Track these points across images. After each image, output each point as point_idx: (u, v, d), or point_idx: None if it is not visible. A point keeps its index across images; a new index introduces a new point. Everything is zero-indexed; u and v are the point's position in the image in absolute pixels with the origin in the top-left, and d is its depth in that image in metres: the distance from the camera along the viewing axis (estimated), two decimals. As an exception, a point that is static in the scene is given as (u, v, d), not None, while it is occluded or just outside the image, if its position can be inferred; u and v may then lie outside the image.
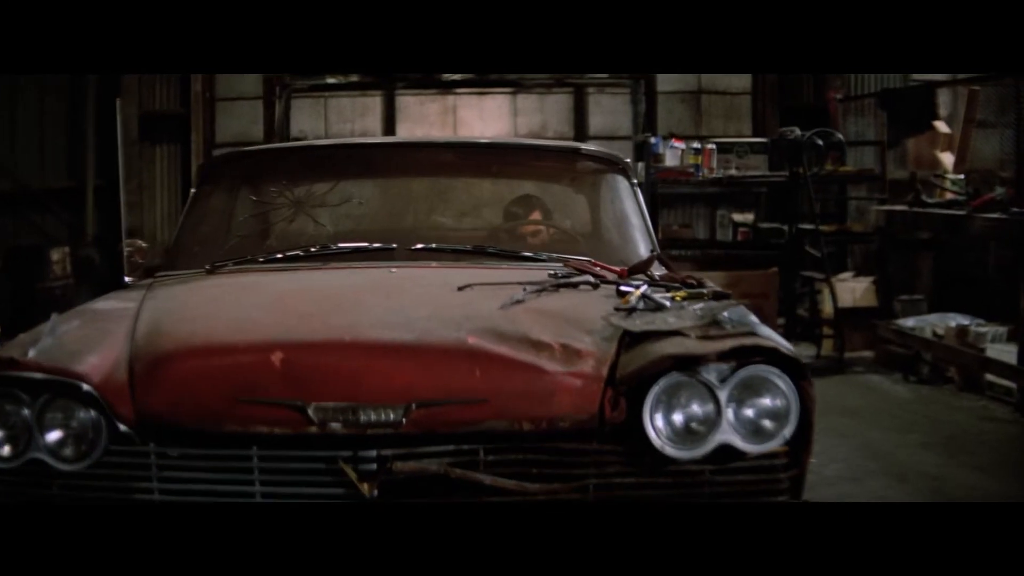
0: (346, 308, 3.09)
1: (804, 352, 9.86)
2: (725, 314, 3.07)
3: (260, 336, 2.88)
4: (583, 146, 4.57)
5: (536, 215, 4.59)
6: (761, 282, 9.32)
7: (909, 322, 9.36)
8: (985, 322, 8.59)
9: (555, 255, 4.02)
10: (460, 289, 3.31)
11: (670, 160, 9.79)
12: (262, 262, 3.99)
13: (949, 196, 9.47)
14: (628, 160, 4.65)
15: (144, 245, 4.24)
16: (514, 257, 4.01)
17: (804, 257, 9.97)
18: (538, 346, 2.84)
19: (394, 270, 3.75)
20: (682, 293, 3.44)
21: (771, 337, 2.96)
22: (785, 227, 9.77)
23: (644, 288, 3.42)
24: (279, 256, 4.01)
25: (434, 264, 3.91)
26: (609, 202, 4.58)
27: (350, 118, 11.32)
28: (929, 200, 9.36)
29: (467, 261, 3.96)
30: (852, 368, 9.39)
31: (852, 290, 10.63)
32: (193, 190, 4.43)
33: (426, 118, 11.37)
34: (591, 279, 3.54)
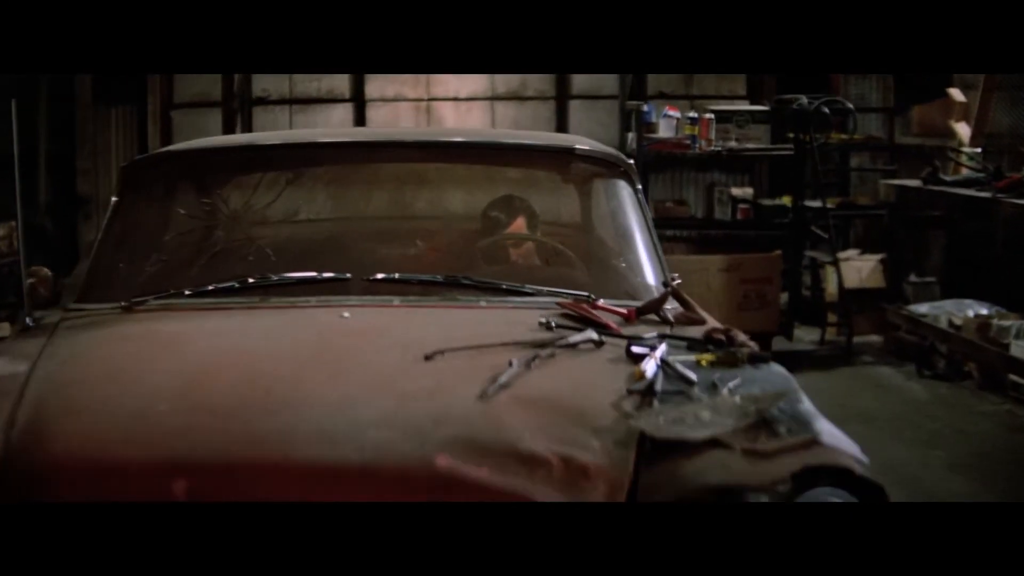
0: (276, 400, 2.37)
1: (808, 337, 9.21)
2: (776, 409, 2.35)
3: (158, 453, 2.18)
4: (578, 145, 3.82)
5: (519, 222, 3.87)
6: (763, 266, 8.61)
7: (922, 308, 8.68)
8: (1005, 311, 7.93)
9: (545, 288, 3.29)
10: (427, 358, 2.58)
11: (664, 130, 8.99)
12: (189, 296, 3.26)
13: (965, 172, 8.79)
14: (631, 161, 3.91)
15: (49, 274, 3.50)
16: (495, 290, 3.29)
17: (809, 237, 9.26)
18: (531, 463, 2.14)
19: (347, 314, 3.03)
20: (709, 356, 2.73)
21: (838, 446, 2.27)
22: (789, 204, 9.04)
23: (661, 351, 2.71)
24: (210, 288, 3.27)
25: (396, 302, 3.20)
26: (609, 213, 3.86)
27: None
28: (947, 178, 8.66)
29: (437, 296, 3.25)
30: (861, 358, 8.72)
31: (858, 270, 9.94)
32: (113, 199, 3.67)
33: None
34: (594, 336, 2.82)
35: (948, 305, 8.58)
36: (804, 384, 7.31)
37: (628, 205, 3.81)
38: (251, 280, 3.29)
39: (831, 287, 9.76)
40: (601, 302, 3.26)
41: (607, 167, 3.86)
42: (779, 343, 8.78)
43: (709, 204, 9.28)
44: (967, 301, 8.50)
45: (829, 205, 9.03)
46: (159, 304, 3.24)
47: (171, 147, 3.94)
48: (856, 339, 8.87)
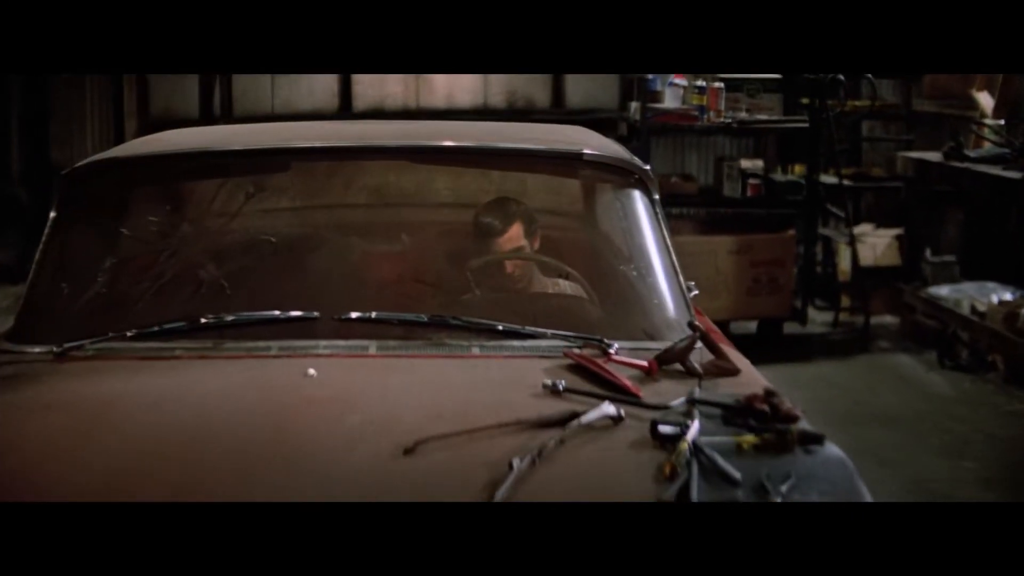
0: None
1: (820, 318, 8.74)
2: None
3: None
4: (587, 150, 3.30)
5: (515, 230, 3.37)
6: (776, 247, 8.11)
7: (942, 291, 8.21)
8: (1030, 296, 7.49)
9: (548, 332, 2.81)
10: (407, 452, 2.10)
11: (670, 100, 8.43)
12: (131, 339, 2.77)
13: (987, 146, 8.27)
14: (648, 167, 3.39)
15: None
16: (488, 332, 2.81)
17: (824, 214, 8.76)
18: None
19: (312, 372, 2.54)
20: (752, 439, 2.25)
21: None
22: (803, 180, 8.51)
23: (694, 432, 2.23)
24: (155, 330, 2.78)
25: (372, 349, 2.73)
26: (622, 230, 3.36)
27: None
28: (970, 153, 8.14)
29: (419, 340, 2.77)
30: (877, 343, 8.26)
31: (873, 247, 9.46)
32: (52, 214, 3.15)
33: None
34: (611, 412, 2.33)
35: (970, 289, 8.10)
36: (819, 376, 6.94)
37: (644, 221, 3.31)
38: (204, 319, 2.79)
39: (844, 265, 9.29)
40: (616, 349, 2.78)
41: (620, 175, 3.35)
42: (790, 327, 8.31)
43: (717, 178, 8.73)
44: (990, 284, 8.02)
45: (848, 183, 8.54)
46: (96, 350, 2.75)
47: (118, 151, 3.38)
48: (871, 320, 8.39)
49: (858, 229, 9.06)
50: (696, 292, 3.35)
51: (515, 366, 2.68)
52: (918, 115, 9.69)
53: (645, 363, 2.70)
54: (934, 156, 8.75)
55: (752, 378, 2.80)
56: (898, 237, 9.62)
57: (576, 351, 2.73)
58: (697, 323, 2.92)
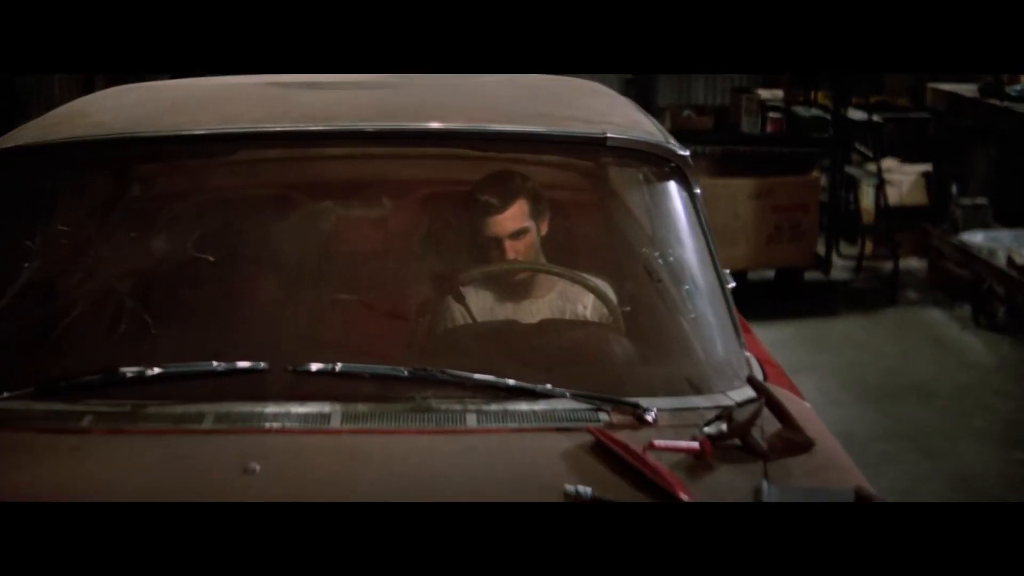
0: None
1: (842, 263, 8.10)
2: None
3: None
4: (612, 132, 2.61)
5: (518, 208, 2.71)
6: (799, 190, 7.41)
7: (975, 238, 7.56)
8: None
9: (567, 392, 2.17)
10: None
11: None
12: (25, 397, 2.12)
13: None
14: (686, 152, 2.71)
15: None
16: (488, 389, 2.16)
17: (851, 153, 8.07)
18: None
19: (255, 467, 1.89)
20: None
21: None
22: (827, 115, 7.80)
23: None
24: (62, 385, 2.14)
25: (336, 421, 2.09)
26: (656, 234, 2.69)
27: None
28: (1011, 91, 7.44)
29: (398, 403, 2.13)
30: (905, 294, 7.63)
31: (898, 184, 8.78)
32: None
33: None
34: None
35: (1006, 238, 7.46)
36: (845, 335, 6.29)
37: (683, 224, 2.65)
38: (121, 371, 2.13)
39: (867, 203, 8.63)
40: (654, 415, 2.14)
41: (653, 163, 2.68)
42: (811, 274, 7.69)
43: (735, 113, 8.00)
44: (1027, 232, 7.40)
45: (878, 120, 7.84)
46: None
47: (26, 134, 2.62)
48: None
49: (884, 164, 8.37)
50: (733, 284, 2.70)
51: (524, 448, 2.04)
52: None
53: (696, 444, 2.05)
54: (968, 90, 8.06)
55: (831, 453, 2.17)
56: (925, 174, 8.95)
57: (604, 427, 2.09)
58: (757, 378, 2.28)
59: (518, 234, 2.71)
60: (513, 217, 2.71)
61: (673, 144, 2.72)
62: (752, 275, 7.35)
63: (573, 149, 2.69)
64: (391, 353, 2.29)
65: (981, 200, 8.11)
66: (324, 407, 2.11)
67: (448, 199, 2.76)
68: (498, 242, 2.71)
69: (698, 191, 2.71)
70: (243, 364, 2.15)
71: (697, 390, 2.29)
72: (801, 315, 7.04)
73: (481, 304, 2.70)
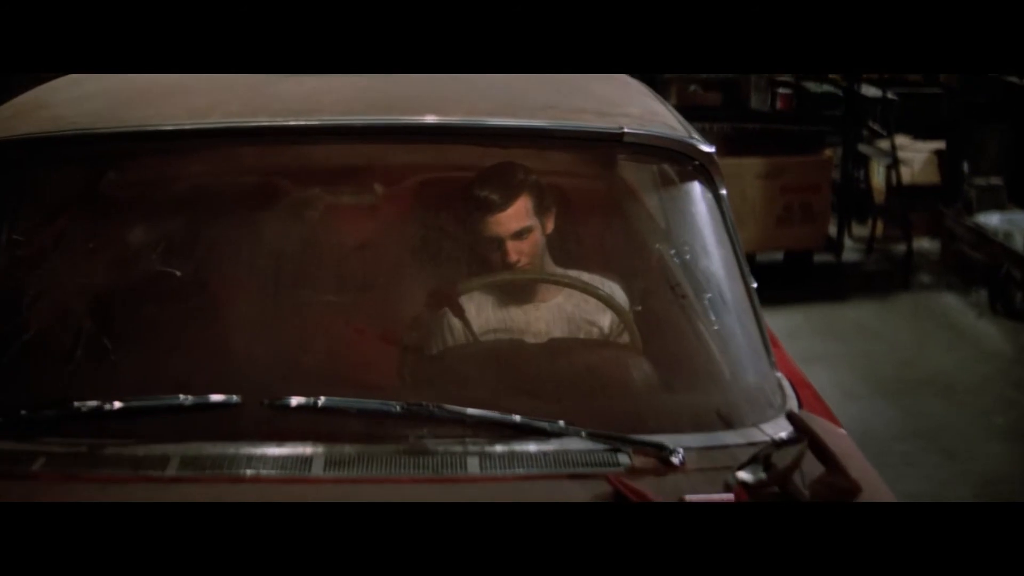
0: None
1: (854, 246, 7.84)
2: None
3: None
4: (630, 127, 2.33)
5: (521, 205, 2.44)
6: (810, 171, 7.13)
7: (991, 220, 7.28)
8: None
9: (582, 431, 1.91)
10: None
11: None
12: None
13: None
14: (711, 149, 2.45)
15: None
16: (491, 426, 1.91)
17: (864, 131, 7.78)
18: None
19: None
20: None
21: None
22: (840, 91, 7.50)
23: None
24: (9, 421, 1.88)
25: (318, 468, 1.85)
26: (678, 236, 2.43)
27: None
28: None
29: (389, 444, 1.87)
30: (919, 277, 7.37)
31: (910, 163, 8.49)
32: None
33: None
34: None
35: (1022, 220, 7.18)
36: (857, 323, 6.03)
37: (707, 228, 2.39)
38: (76, 406, 1.87)
39: (875, 179, 8.35)
40: (681, 457, 1.88)
41: (675, 161, 2.41)
42: (821, 255, 7.43)
43: (744, 89, 7.69)
44: (1047, 216, 7.13)
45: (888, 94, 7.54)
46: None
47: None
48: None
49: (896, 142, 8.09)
50: (755, 285, 2.44)
51: (533, 499, 1.77)
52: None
53: (730, 495, 1.80)
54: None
55: (874, 491, 1.91)
56: (937, 152, 8.66)
57: (624, 473, 1.83)
58: (797, 411, 2.02)
59: (521, 234, 2.45)
60: (515, 215, 2.45)
61: (697, 139, 2.46)
62: (759, 257, 7.09)
63: (585, 146, 2.42)
64: (381, 383, 2.03)
65: (996, 180, 7.83)
66: (305, 450, 1.85)
67: (445, 196, 2.48)
68: (499, 243, 2.45)
69: (724, 192, 2.45)
70: (212, 398, 1.89)
71: (727, 423, 2.04)
72: (811, 300, 6.79)
73: (481, 309, 2.45)
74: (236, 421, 1.88)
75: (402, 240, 2.29)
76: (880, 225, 7.98)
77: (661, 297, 2.34)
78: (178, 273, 2.10)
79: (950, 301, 6.96)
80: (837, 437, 2.09)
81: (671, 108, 2.69)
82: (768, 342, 2.29)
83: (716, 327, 2.25)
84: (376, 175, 2.40)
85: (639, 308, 2.36)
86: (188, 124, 2.18)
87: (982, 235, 7.15)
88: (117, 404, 1.87)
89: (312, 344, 2.09)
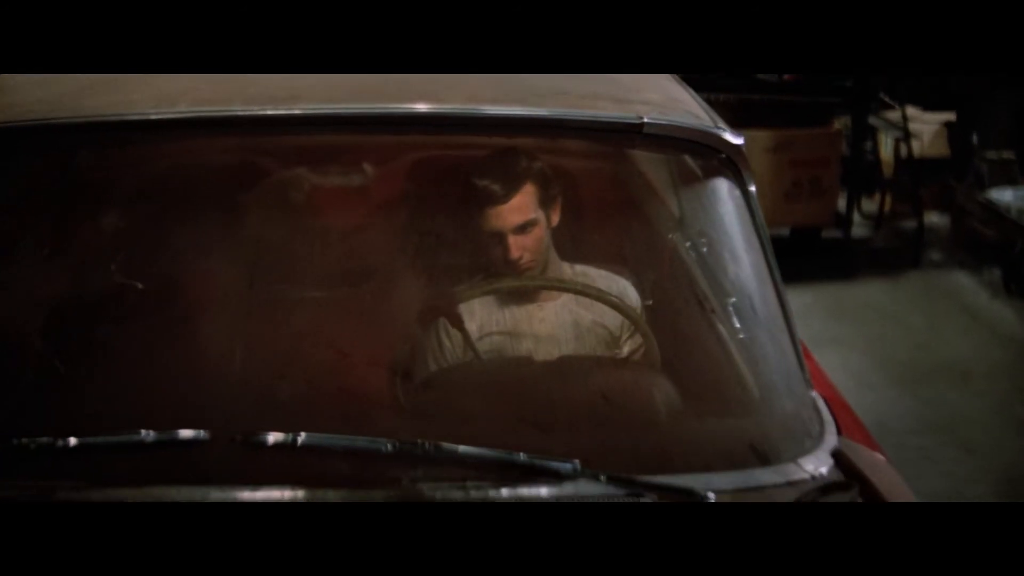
0: None
1: (862, 221, 7.61)
2: None
3: None
4: (650, 117, 2.08)
5: (525, 196, 2.20)
6: (820, 144, 6.87)
7: (1005, 196, 7.04)
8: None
9: (596, 477, 1.67)
10: None
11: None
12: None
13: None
14: (740, 141, 2.20)
15: None
16: (494, 466, 1.68)
17: (875, 103, 7.52)
18: None
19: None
20: None
21: None
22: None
23: None
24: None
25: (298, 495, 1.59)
26: (701, 239, 2.18)
27: None
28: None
29: (377, 488, 1.64)
30: (929, 255, 7.13)
31: (919, 134, 8.23)
32: None
33: None
34: None
35: (1036, 197, 6.95)
36: (868, 302, 5.79)
37: (735, 228, 2.15)
38: (23, 442, 1.63)
39: (886, 154, 8.11)
40: (713, 501, 1.65)
41: (699, 155, 2.17)
42: (828, 231, 7.20)
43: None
44: (1063, 192, 6.90)
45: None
46: None
47: None
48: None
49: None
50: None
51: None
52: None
53: (771, 553, 1.56)
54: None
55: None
56: (947, 124, 8.40)
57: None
58: (841, 448, 1.79)
59: (524, 227, 2.21)
60: (519, 207, 2.21)
61: (724, 129, 2.20)
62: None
63: (600, 137, 2.16)
64: (370, 413, 1.79)
65: (1008, 154, 7.59)
66: (283, 494, 1.61)
67: (439, 196, 2.23)
68: (501, 237, 2.21)
69: (753, 189, 2.20)
70: (178, 434, 1.65)
71: (763, 459, 1.80)
72: (820, 278, 6.55)
73: (480, 310, 2.22)
74: (204, 461, 1.63)
75: (393, 245, 2.04)
76: (889, 200, 7.74)
77: (684, 310, 2.11)
78: (139, 285, 1.84)
79: (962, 280, 6.73)
80: (884, 472, 1.87)
81: (693, 93, 2.43)
82: (802, 357, 2.06)
83: (747, 344, 2.01)
84: (363, 173, 2.15)
85: (656, 317, 2.12)
86: (153, 113, 1.92)
87: (995, 211, 6.92)
88: (71, 441, 1.63)
89: (291, 370, 1.84)
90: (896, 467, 1.95)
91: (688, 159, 2.19)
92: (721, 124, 2.23)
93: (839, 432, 1.94)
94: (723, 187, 2.16)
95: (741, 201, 2.16)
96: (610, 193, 2.33)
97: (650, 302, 2.21)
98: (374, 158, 2.18)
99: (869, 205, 7.83)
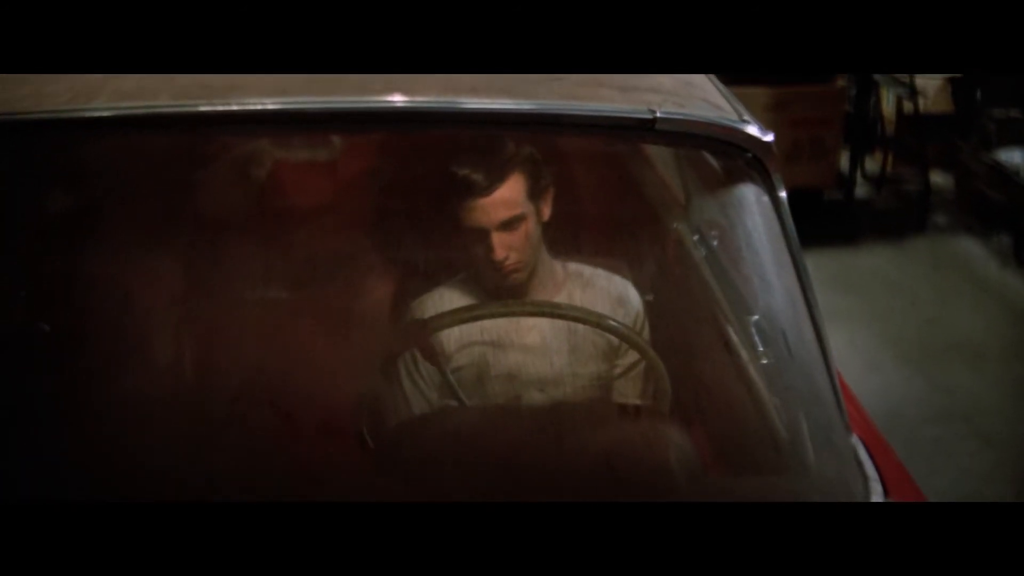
0: None
1: (864, 184, 7.29)
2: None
3: None
4: (663, 111, 1.73)
5: (512, 188, 1.89)
6: (822, 102, 6.51)
7: (1014, 158, 6.72)
8: None
9: None
10: None
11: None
12: None
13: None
14: (769, 138, 1.85)
15: None
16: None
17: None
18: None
19: None
20: None
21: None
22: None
23: None
24: None
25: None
26: (725, 257, 1.86)
27: None
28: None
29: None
30: (934, 219, 6.82)
31: (922, 89, 7.89)
32: None
33: None
34: None
35: (1048, 157, 6.64)
36: (873, 271, 5.46)
37: (764, 241, 1.82)
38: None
39: (888, 111, 7.77)
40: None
41: (721, 154, 1.84)
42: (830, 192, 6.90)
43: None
44: (1075, 152, 6.59)
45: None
46: None
47: None
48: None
49: (906, 68, 7.49)
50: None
51: None
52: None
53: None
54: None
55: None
56: (951, 80, 8.05)
57: None
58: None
59: (510, 224, 1.91)
60: (504, 201, 1.89)
61: (750, 123, 1.87)
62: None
63: (607, 133, 1.82)
64: (328, 482, 1.46)
65: (1016, 112, 7.26)
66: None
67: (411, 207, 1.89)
68: (484, 235, 1.89)
69: (783, 194, 1.87)
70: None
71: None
72: (821, 244, 6.22)
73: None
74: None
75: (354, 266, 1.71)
76: (891, 159, 7.42)
77: (700, 342, 1.78)
78: (47, 328, 1.50)
79: (970, 247, 6.42)
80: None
81: (712, 78, 2.09)
82: (841, 397, 1.74)
83: (776, 384, 1.69)
84: (326, 177, 1.81)
85: (667, 350, 1.80)
86: (66, 111, 1.57)
87: (1003, 174, 6.61)
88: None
89: (234, 435, 1.50)
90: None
91: (708, 158, 1.86)
92: (747, 116, 1.90)
93: (885, 492, 1.64)
94: (750, 193, 1.83)
95: (771, 208, 1.83)
96: (612, 189, 2.00)
97: (650, 298, 1.90)
98: (332, 166, 1.84)
99: (871, 164, 7.50)
